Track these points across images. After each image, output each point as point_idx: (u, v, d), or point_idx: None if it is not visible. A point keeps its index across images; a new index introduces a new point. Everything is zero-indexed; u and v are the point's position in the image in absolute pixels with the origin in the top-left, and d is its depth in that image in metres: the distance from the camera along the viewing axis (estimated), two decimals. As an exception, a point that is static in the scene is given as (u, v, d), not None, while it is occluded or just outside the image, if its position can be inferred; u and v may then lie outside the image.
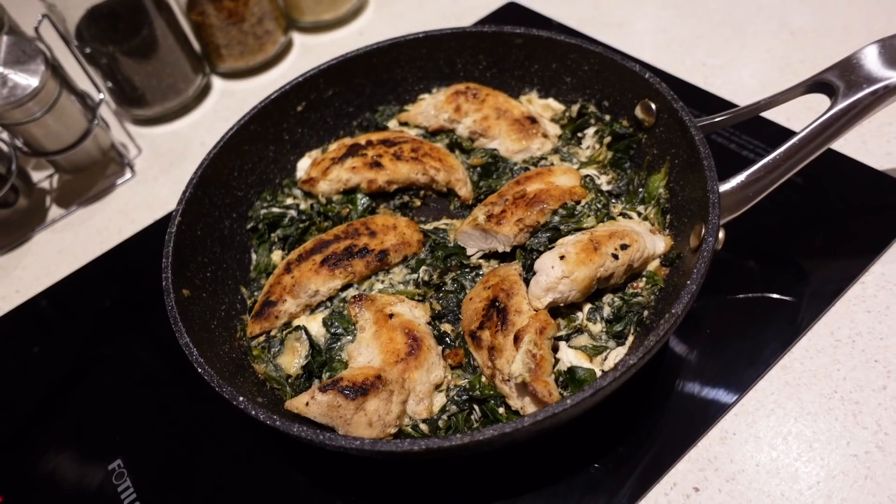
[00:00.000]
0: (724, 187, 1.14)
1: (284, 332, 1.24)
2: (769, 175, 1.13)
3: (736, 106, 1.56)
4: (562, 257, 1.14)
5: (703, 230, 1.10)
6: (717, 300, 1.26)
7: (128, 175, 1.79)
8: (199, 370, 1.04)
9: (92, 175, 1.80)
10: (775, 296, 1.25)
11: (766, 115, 1.51)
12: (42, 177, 1.82)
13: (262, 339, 1.25)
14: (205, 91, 1.99)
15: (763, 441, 1.06)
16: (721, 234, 1.13)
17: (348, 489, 1.13)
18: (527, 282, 1.18)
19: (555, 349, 1.15)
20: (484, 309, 1.16)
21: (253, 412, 0.98)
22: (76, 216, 1.72)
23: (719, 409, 1.10)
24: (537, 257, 1.23)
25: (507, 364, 1.08)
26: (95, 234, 1.66)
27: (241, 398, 1.00)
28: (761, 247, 1.32)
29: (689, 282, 0.99)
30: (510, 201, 1.29)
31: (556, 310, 1.17)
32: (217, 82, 2.02)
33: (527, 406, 1.06)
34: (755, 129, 1.49)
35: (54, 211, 1.75)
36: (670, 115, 1.26)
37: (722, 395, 1.12)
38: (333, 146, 1.54)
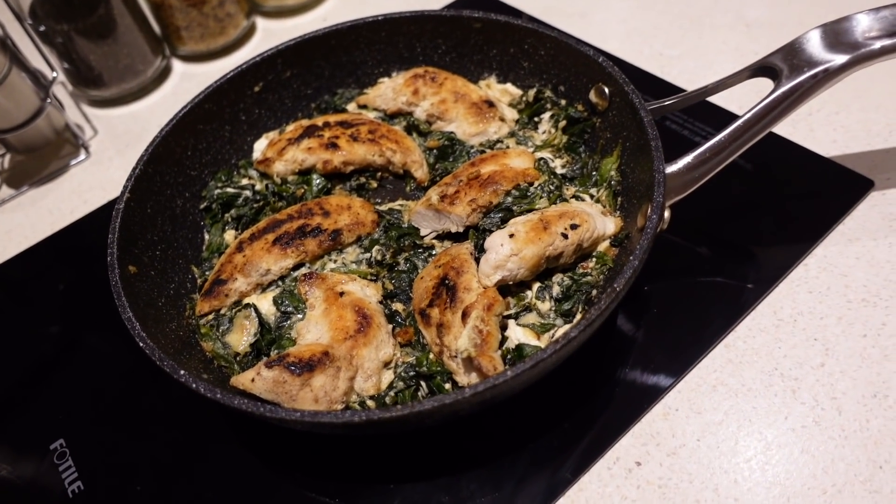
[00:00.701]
0: (671, 168, 1.15)
1: (234, 311, 1.23)
2: (715, 157, 1.15)
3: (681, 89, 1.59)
4: (511, 235, 1.14)
5: (649, 209, 1.12)
6: (666, 283, 1.28)
7: (82, 156, 1.76)
8: (141, 344, 1.03)
9: (45, 156, 1.77)
10: (721, 279, 1.27)
11: (718, 102, 1.53)
12: (-8, 157, 1.78)
13: (210, 317, 1.24)
14: (164, 73, 1.96)
15: (704, 416, 1.07)
16: (666, 214, 1.15)
17: (297, 467, 1.13)
18: (478, 261, 1.19)
19: (504, 327, 1.16)
20: (434, 287, 1.16)
21: (194, 385, 0.97)
22: (27, 196, 1.69)
23: (663, 387, 1.12)
24: (489, 236, 1.24)
25: (455, 340, 1.08)
26: (47, 215, 1.63)
27: (182, 371, 0.99)
28: (710, 232, 1.34)
29: (631, 258, 1.01)
30: (464, 182, 1.29)
31: (505, 288, 1.18)
32: (177, 65, 1.99)
33: (473, 382, 1.06)
34: (707, 116, 1.51)
35: (4, 191, 1.71)
36: (622, 99, 1.28)
37: (666, 373, 1.14)
38: (290, 127, 1.53)
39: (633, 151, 1.26)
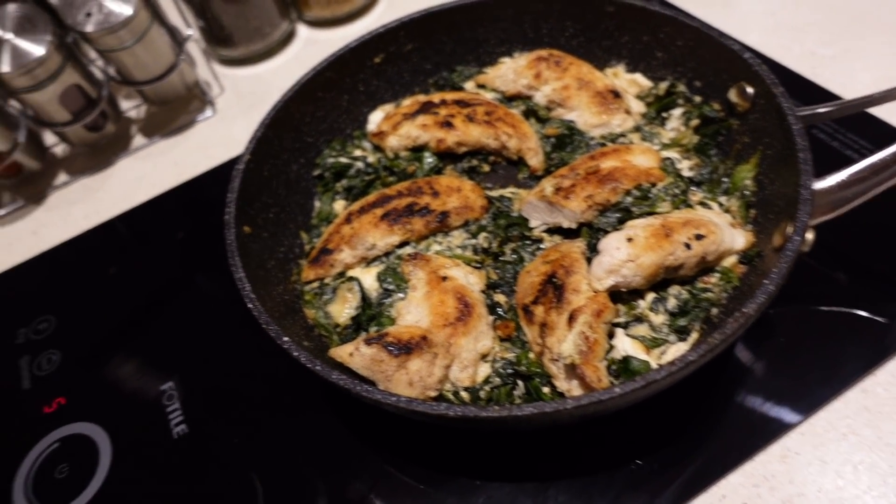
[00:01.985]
0: (820, 185, 1.04)
1: (338, 281, 1.24)
2: (873, 178, 1.03)
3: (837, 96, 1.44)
4: (629, 239, 1.08)
5: (790, 228, 1.02)
6: (797, 309, 1.17)
7: (209, 112, 1.83)
8: (249, 305, 1.05)
9: (175, 109, 1.85)
10: (863, 313, 1.14)
11: (878, 113, 1.38)
12: (130, 106, 1.88)
13: (315, 285, 1.26)
14: (289, 37, 2.00)
15: (829, 466, 0.97)
16: (810, 236, 1.04)
17: (385, 444, 1.13)
18: (589, 261, 1.13)
19: (610, 335, 1.10)
20: (540, 284, 1.12)
21: (295, 353, 0.99)
22: (157, 147, 1.77)
23: (783, 425, 1.03)
24: (603, 237, 1.18)
25: (558, 343, 1.04)
26: (173, 166, 1.71)
27: (285, 338, 1.00)
28: (854, 257, 1.21)
29: (766, 281, 0.92)
30: (581, 176, 1.23)
31: (616, 295, 1.11)
32: (302, 30, 2.02)
33: (573, 389, 1.02)
34: (863, 128, 1.36)
35: (138, 140, 1.81)
36: (767, 101, 1.17)
37: (788, 411, 1.05)
38: (407, 102, 1.51)
39: (775, 161, 1.15)
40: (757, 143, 1.21)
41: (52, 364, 1.32)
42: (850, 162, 1.30)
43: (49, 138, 1.80)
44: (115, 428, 1.20)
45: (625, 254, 1.06)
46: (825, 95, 1.45)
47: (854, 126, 1.36)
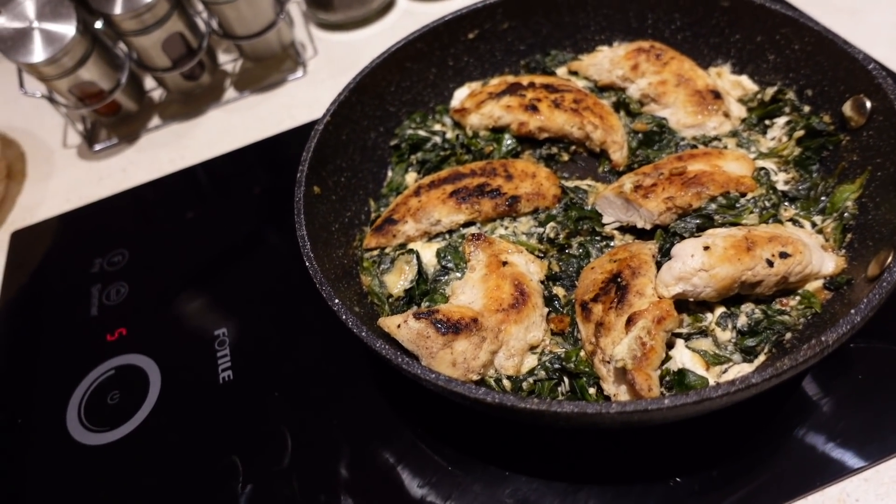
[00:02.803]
0: (933, 215, 0.94)
1: (397, 252, 1.23)
2: None
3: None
4: (706, 248, 1.01)
5: (891, 258, 0.92)
6: (882, 347, 1.06)
7: (299, 73, 1.86)
8: (307, 263, 1.06)
9: (268, 66, 1.89)
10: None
11: None
12: (227, 60, 1.94)
13: (375, 252, 1.25)
14: (389, 6, 2.00)
15: (892, 519, 0.88)
16: (912, 268, 0.94)
17: (420, 422, 1.12)
18: (659, 266, 1.07)
19: (670, 345, 1.04)
20: (604, 282, 1.06)
21: (344, 317, 0.98)
22: (246, 101, 1.82)
23: (846, 468, 0.94)
24: (678, 242, 1.11)
25: (612, 345, 0.98)
26: (258, 121, 1.75)
27: (336, 301, 1.00)
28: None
29: (853, 311, 0.83)
30: (665, 176, 1.16)
31: (683, 303, 1.05)
32: (402, 0, 2.02)
33: (620, 394, 0.96)
34: None
35: (229, 93, 1.86)
36: (887, 119, 1.06)
37: (854, 454, 0.95)
38: (495, 81, 1.48)
39: (885, 183, 1.04)
40: (867, 162, 1.10)
41: (120, 296, 1.38)
42: None
43: (148, 83, 1.88)
44: (167, 364, 1.24)
45: (699, 262, 0.99)
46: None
47: None
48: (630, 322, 0.98)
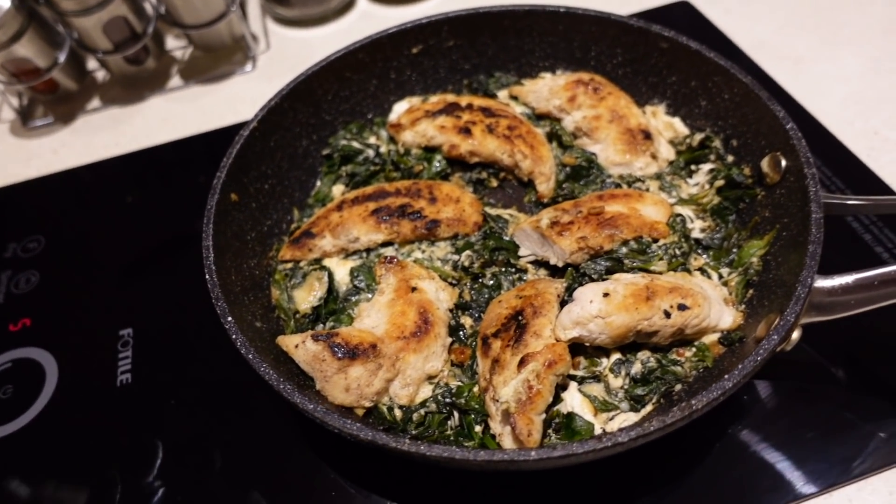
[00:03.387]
0: (822, 283, 0.95)
1: (310, 267, 1.22)
2: (882, 288, 0.93)
3: (890, 189, 1.31)
4: (606, 294, 1.01)
5: (776, 323, 0.93)
6: (781, 394, 1.09)
7: (248, 68, 1.83)
8: (207, 276, 1.04)
9: (217, 58, 1.86)
10: (852, 416, 1.05)
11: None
12: (176, 46, 1.90)
13: (289, 265, 1.24)
14: (348, 7, 1.97)
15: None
16: (795, 335, 0.96)
17: (309, 435, 1.11)
18: (565, 305, 1.07)
19: (563, 387, 1.04)
20: (506, 317, 1.06)
21: (234, 336, 0.97)
22: (191, 91, 1.79)
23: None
24: (586, 283, 1.11)
25: (503, 384, 0.99)
26: (200, 114, 1.72)
27: (230, 318, 0.99)
28: (855, 354, 1.11)
29: (726, 377, 0.85)
30: (583, 214, 1.16)
31: (580, 346, 1.06)
32: (361, 2, 1.99)
33: (505, 436, 0.97)
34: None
35: (174, 80, 1.83)
36: (797, 180, 1.07)
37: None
38: (434, 99, 1.47)
39: (788, 245, 1.06)
40: (776, 220, 1.12)
41: (30, 284, 1.35)
42: (877, 260, 1.21)
43: (91, 63, 1.84)
44: (66, 362, 1.22)
45: (596, 309, 1.00)
46: (873, 182, 1.32)
47: (894, 223, 1.24)
48: (522, 363, 0.98)
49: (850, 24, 1.67)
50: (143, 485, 1.05)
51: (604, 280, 1.12)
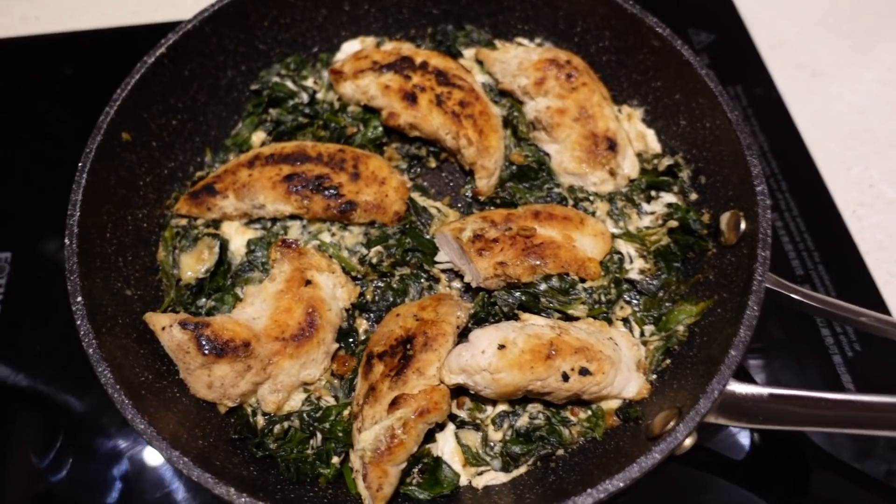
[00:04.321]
0: (736, 388, 0.86)
1: (203, 231, 1.09)
2: (802, 412, 0.84)
3: (862, 261, 1.18)
4: (501, 346, 0.91)
5: (672, 423, 0.85)
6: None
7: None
8: (66, 238, 0.92)
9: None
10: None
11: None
12: None
13: (183, 221, 1.11)
14: None
15: None
16: (689, 441, 0.87)
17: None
18: (465, 334, 0.97)
19: (442, 426, 0.97)
20: (397, 339, 0.96)
21: (79, 321, 0.87)
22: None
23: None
24: (493, 318, 1.01)
25: (371, 419, 0.91)
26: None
27: (79, 299, 0.88)
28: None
29: (589, 490, 0.77)
30: (511, 233, 1.03)
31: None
32: None
33: (359, 475, 0.90)
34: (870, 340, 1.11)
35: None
36: (748, 256, 0.94)
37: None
38: (389, 46, 1.27)
39: (719, 325, 0.95)
40: (716, 289, 1.00)
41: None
42: (822, 360, 1.10)
43: None
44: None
45: (486, 361, 0.90)
46: (848, 252, 1.18)
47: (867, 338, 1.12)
48: (394, 404, 0.90)
49: (889, 40, 1.44)
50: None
51: (514, 315, 1.01)
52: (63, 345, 1.09)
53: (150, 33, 1.39)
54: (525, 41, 1.29)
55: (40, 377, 1.08)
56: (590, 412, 0.98)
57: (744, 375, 1.04)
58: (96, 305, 0.90)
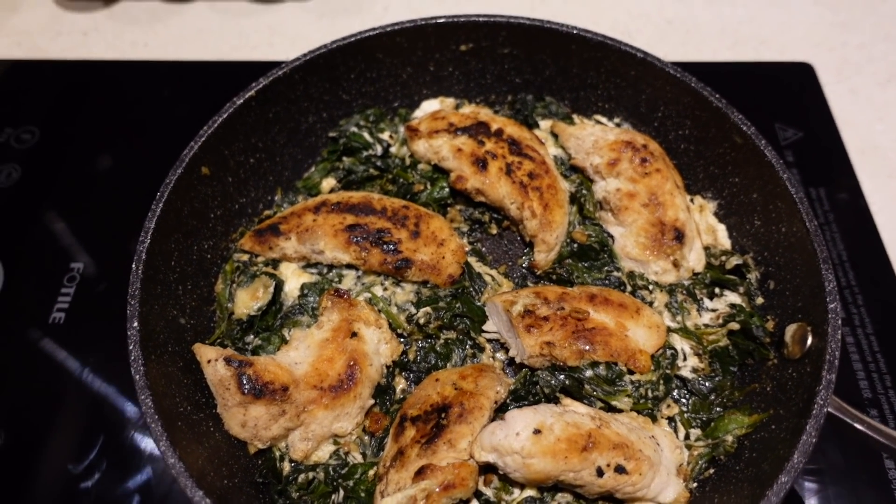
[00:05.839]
0: (783, 519, 0.80)
1: (262, 269, 1.12)
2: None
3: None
4: (537, 431, 0.88)
5: None
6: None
7: (306, -4, 1.67)
8: (133, 264, 0.96)
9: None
10: None
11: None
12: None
13: (245, 257, 1.15)
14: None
15: None
16: (723, 566, 0.82)
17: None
18: (504, 409, 0.96)
19: (466, 501, 0.94)
20: (432, 405, 0.95)
21: (131, 346, 0.90)
22: (237, 5, 1.64)
23: None
24: (533, 398, 0.99)
25: (395, 484, 0.90)
26: (237, 36, 1.59)
27: (136, 324, 0.91)
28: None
29: None
30: (563, 313, 1.01)
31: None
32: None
33: (375, 541, 0.89)
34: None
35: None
36: (812, 376, 0.89)
37: None
38: (468, 109, 1.30)
39: (771, 444, 0.89)
40: (773, 404, 0.94)
41: (10, 179, 1.31)
42: (885, 493, 1.02)
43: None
44: (11, 273, 1.19)
45: (520, 445, 0.87)
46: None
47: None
48: (420, 473, 0.88)
49: None
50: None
51: (555, 398, 0.99)
52: (114, 359, 1.14)
53: (246, 70, 1.50)
54: (604, 119, 1.29)
55: (89, 386, 1.12)
56: (622, 512, 0.94)
57: (794, 498, 0.97)
58: (150, 332, 0.93)
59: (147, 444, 1.10)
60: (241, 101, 1.13)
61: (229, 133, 1.13)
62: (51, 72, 1.50)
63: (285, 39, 1.58)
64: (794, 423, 0.86)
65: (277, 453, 0.99)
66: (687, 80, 1.14)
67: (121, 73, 1.51)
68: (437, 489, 0.87)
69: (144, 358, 0.89)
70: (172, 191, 1.03)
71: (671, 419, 1.01)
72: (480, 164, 1.17)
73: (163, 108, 1.48)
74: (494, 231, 1.21)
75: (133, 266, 0.96)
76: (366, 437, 1.01)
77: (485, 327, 1.08)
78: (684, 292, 1.10)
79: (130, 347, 0.89)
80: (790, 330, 0.98)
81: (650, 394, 0.99)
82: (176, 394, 0.93)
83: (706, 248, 1.15)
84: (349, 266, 1.13)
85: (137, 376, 0.86)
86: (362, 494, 0.94)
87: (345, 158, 1.26)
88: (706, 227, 1.17)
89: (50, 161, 1.37)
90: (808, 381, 0.88)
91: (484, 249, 1.19)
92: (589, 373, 0.98)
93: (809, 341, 0.93)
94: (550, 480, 0.90)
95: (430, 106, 1.32)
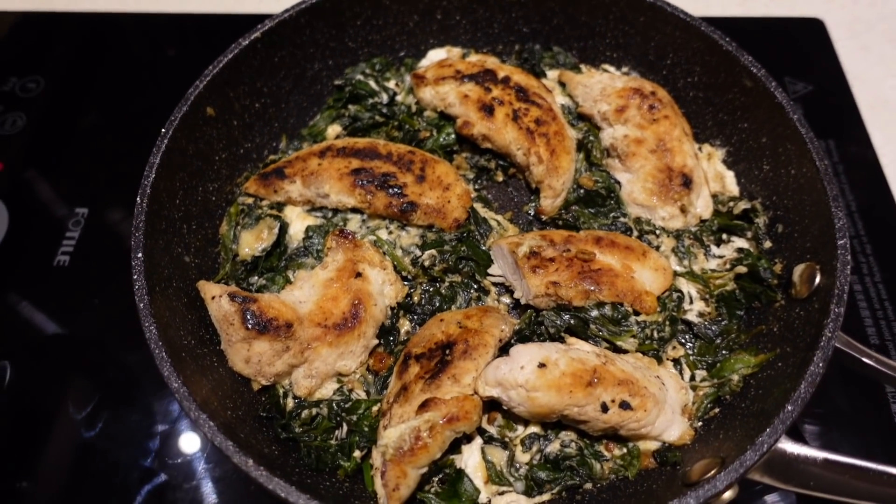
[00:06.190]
0: (788, 447, 0.80)
1: (266, 212, 1.12)
2: (855, 483, 0.77)
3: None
4: (542, 365, 0.88)
5: (713, 471, 0.79)
6: None
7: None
8: (138, 197, 0.95)
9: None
10: None
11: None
12: None
13: (249, 200, 1.14)
14: None
15: None
16: (729, 494, 0.81)
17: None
18: (505, 351, 0.95)
19: (469, 438, 0.94)
20: (436, 343, 0.95)
21: (135, 276, 0.89)
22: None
23: None
24: (538, 338, 0.98)
25: (398, 418, 0.89)
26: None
27: (140, 255, 0.91)
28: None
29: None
30: (569, 254, 1.01)
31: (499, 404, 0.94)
32: None
33: (377, 472, 0.88)
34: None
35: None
36: (820, 312, 0.88)
37: None
38: (474, 58, 1.28)
39: (777, 380, 0.89)
40: (780, 343, 0.94)
41: (15, 127, 1.31)
42: (891, 434, 1.02)
43: None
44: (16, 218, 1.19)
45: (524, 378, 0.87)
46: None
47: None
48: (424, 406, 0.88)
49: None
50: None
51: (560, 338, 0.98)
52: (118, 304, 1.13)
53: (251, 22, 1.48)
54: (611, 68, 1.28)
55: (91, 331, 1.12)
56: (625, 450, 0.93)
57: (798, 438, 0.96)
58: (154, 265, 0.93)
59: (148, 390, 1.10)
60: (247, 42, 1.12)
61: (234, 75, 1.12)
62: (57, 23, 1.49)
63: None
64: (801, 357, 0.86)
65: (281, 390, 0.99)
66: (697, 25, 1.13)
67: (125, 25, 1.50)
68: (441, 421, 0.87)
69: (149, 288, 0.89)
70: (177, 128, 1.03)
71: (676, 361, 1.00)
72: (487, 109, 1.16)
73: (167, 59, 1.47)
74: (500, 178, 1.21)
75: (138, 199, 0.95)
76: (370, 376, 1.01)
77: (490, 270, 1.08)
78: (691, 238, 1.09)
79: (135, 277, 0.89)
80: (798, 270, 0.97)
81: (656, 335, 0.98)
82: (180, 327, 0.93)
83: (714, 196, 1.14)
84: (354, 210, 1.13)
85: (142, 304, 0.86)
86: (366, 429, 0.94)
87: (350, 106, 1.25)
88: (714, 174, 1.16)
89: (54, 110, 1.36)
90: (816, 318, 0.88)
91: (490, 196, 1.19)
92: (595, 313, 0.98)
93: (818, 280, 0.92)
94: (554, 415, 0.89)
95: (436, 55, 1.31)
